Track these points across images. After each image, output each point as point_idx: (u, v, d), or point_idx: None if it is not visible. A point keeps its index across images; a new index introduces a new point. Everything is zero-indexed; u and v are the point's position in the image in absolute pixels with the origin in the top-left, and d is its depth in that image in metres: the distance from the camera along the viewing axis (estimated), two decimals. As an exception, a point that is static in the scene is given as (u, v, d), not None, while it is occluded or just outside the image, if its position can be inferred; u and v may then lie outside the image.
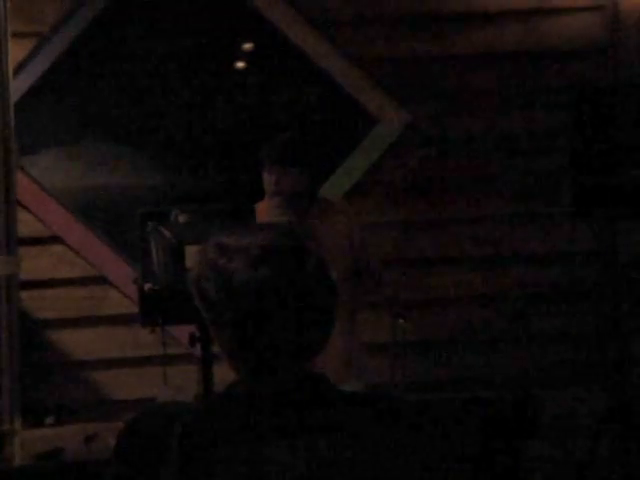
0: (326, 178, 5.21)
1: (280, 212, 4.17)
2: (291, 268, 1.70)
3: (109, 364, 5.11)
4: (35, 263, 4.96)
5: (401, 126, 5.25)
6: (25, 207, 4.98)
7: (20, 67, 4.94)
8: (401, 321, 4.35)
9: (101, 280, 5.12)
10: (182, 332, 3.48)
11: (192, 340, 3.26)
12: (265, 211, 4.19)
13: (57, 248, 5.11)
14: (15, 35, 4.48)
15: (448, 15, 5.27)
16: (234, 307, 1.69)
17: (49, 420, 4.39)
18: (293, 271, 1.70)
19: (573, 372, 5.24)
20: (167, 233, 3.26)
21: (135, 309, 3.41)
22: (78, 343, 5.10)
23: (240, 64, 5.31)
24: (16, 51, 4.61)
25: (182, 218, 3.36)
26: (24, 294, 4.71)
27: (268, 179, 4.17)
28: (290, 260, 1.71)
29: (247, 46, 5.31)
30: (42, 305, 5.06)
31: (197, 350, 3.26)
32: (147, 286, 3.26)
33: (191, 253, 3.18)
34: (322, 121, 5.28)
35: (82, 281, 5.12)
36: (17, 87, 4.72)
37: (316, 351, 1.74)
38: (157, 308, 3.25)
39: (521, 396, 4.31)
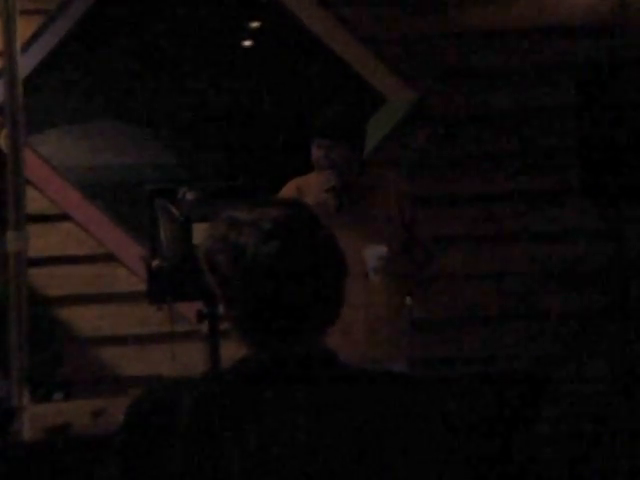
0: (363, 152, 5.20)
1: (329, 185, 4.15)
2: (301, 242, 1.71)
3: (117, 341, 5.13)
4: (43, 240, 4.98)
5: (408, 104, 5.24)
6: (33, 185, 4.99)
7: (27, 44, 4.93)
8: (408, 299, 4.36)
9: (109, 258, 5.14)
10: (190, 309, 3.50)
11: (199, 317, 3.27)
12: (315, 184, 4.18)
13: (65, 226, 5.12)
14: (22, 12, 4.47)
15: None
16: (245, 281, 1.69)
17: (57, 396, 4.41)
18: (303, 245, 1.71)
19: (581, 349, 5.25)
20: (175, 210, 3.26)
21: (143, 286, 3.43)
22: (86, 320, 5.12)
23: (247, 43, 5.30)
24: (23, 28, 4.61)
25: (190, 195, 3.36)
26: (32, 271, 4.72)
27: (317, 152, 4.15)
28: (300, 234, 1.72)
29: (254, 25, 5.31)
30: (50, 282, 5.08)
31: (204, 327, 3.27)
32: (155, 263, 3.28)
33: (199, 230, 3.18)
34: (329, 100, 5.28)
35: (90, 259, 5.13)
36: (24, 65, 4.71)
37: (326, 326, 1.75)
38: (165, 285, 3.26)
39: (528, 373, 4.31)
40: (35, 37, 5.04)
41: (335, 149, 4.12)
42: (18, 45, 3.86)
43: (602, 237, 5.22)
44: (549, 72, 5.27)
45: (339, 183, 4.14)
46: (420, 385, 1.78)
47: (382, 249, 4.07)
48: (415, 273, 4.33)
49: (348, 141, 4.13)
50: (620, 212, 4.90)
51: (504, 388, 4.10)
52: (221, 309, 1.78)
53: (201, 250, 1.76)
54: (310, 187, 4.19)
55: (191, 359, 4.24)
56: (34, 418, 3.77)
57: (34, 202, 4.89)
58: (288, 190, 4.21)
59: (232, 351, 1.87)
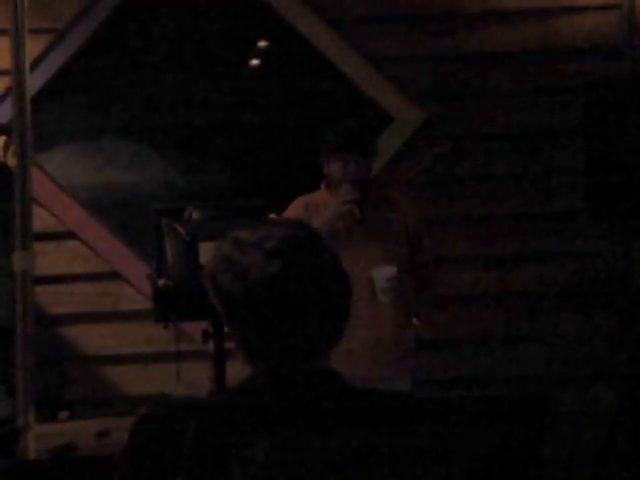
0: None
1: (350, 198, 4.15)
2: (305, 262, 1.71)
3: (122, 360, 5.12)
4: (50, 259, 4.98)
5: (416, 124, 5.24)
6: (40, 203, 4.99)
7: (36, 63, 4.95)
8: (414, 319, 4.35)
9: (115, 276, 5.14)
10: (195, 328, 3.49)
11: (205, 336, 3.26)
12: (328, 199, 4.19)
13: (72, 244, 5.13)
14: (31, 31, 4.48)
15: (464, 13, 5.26)
16: (249, 300, 1.69)
17: (62, 415, 4.40)
18: (307, 265, 1.71)
19: (588, 371, 5.22)
20: (181, 230, 3.26)
21: (149, 305, 3.42)
22: (92, 339, 5.12)
23: (255, 62, 5.31)
24: (32, 47, 4.61)
25: (196, 215, 3.36)
26: (39, 289, 4.72)
27: (333, 167, 4.18)
28: (303, 254, 1.72)
29: (262, 44, 5.32)
30: (56, 300, 5.08)
31: (210, 346, 3.26)
32: (161, 282, 3.27)
33: (205, 250, 3.18)
34: (338, 119, 5.28)
35: (96, 277, 5.13)
36: (33, 83, 4.72)
37: (330, 345, 1.75)
38: (171, 304, 3.25)
39: (535, 395, 4.29)
40: (43, 56, 5.05)
41: (350, 163, 4.15)
42: (27, 64, 3.86)
43: (609, 258, 5.21)
44: (556, 93, 5.27)
45: (358, 195, 4.15)
46: (425, 406, 1.77)
47: (392, 269, 4.07)
48: (418, 294, 4.33)
49: (361, 155, 4.16)
50: (627, 233, 4.89)
51: (509, 410, 4.08)
52: (226, 328, 1.78)
53: (205, 270, 1.76)
54: (319, 204, 4.20)
55: (197, 378, 4.22)
56: (39, 438, 3.76)
57: (40, 220, 4.90)
58: (295, 208, 4.21)
59: (237, 371, 1.86)
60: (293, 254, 1.71)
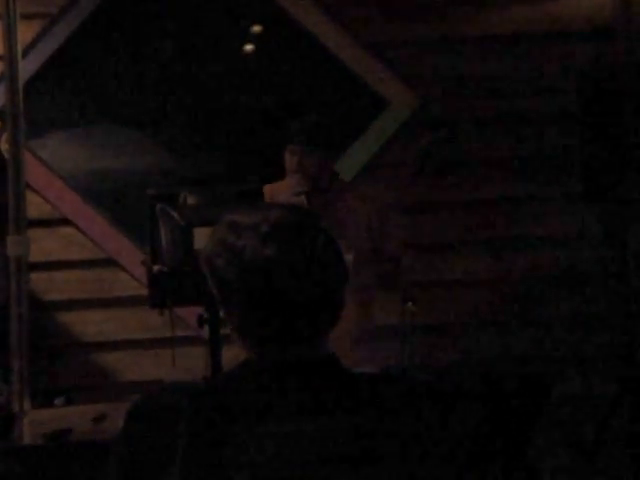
0: (336, 160, 5.20)
1: (300, 190, 4.17)
2: (300, 245, 1.70)
3: (118, 346, 5.12)
4: (44, 245, 4.97)
5: (411, 108, 5.23)
6: (34, 189, 4.98)
7: (28, 49, 4.93)
8: (410, 304, 4.34)
9: (110, 262, 5.13)
10: (191, 314, 3.49)
11: (200, 322, 3.26)
12: (285, 189, 4.21)
13: (66, 230, 5.12)
14: (23, 16, 4.46)
15: (459, -2, 5.25)
16: (244, 284, 1.69)
17: (58, 401, 4.40)
18: (302, 248, 1.70)
19: (583, 355, 5.23)
20: (176, 215, 3.25)
21: (144, 291, 3.42)
22: (87, 325, 5.11)
23: (249, 47, 5.30)
24: (24, 32, 4.60)
25: (191, 200, 3.36)
26: (33, 276, 4.71)
27: (290, 158, 4.20)
28: (299, 237, 1.71)
29: (256, 29, 5.30)
30: (51, 287, 5.07)
31: (205, 332, 3.26)
32: (156, 268, 3.27)
33: (200, 235, 3.17)
34: (332, 103, 5.27)
35: (91, 263, 5.12)
36: (25, 69, 4.70)
37: (326, 329, 1.74)
38: (166, 290, 3.25)
39: (530, 376, 4.30)
40: (36, 41, 5.03)
41: (308, 156, 4.16)
42: (19, 50, 3.85)
43: (604, 242, 5.21)
44: (551, 77, 5.26)
45: (309, 187, 4.17)
46: (423, 387, 1.77)
47: (348, 258, 4.07)
48: (381, 284, 4.35)
49: (321, 149, 4.17)
50: (623, 217, 4.89)
51: (507, 390, 4.08)
52: (222, 313, 1.77)
53: (202, 254, 1.76)
54: (280, 192, 4.21)
55: (192, 364, 4.21)
56: (35, 423, 3.75)
57: (34, 207, 4.88)
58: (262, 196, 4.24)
59: (233, 356, 1.85)
60: (288, 237, 1.70)
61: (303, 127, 4.24)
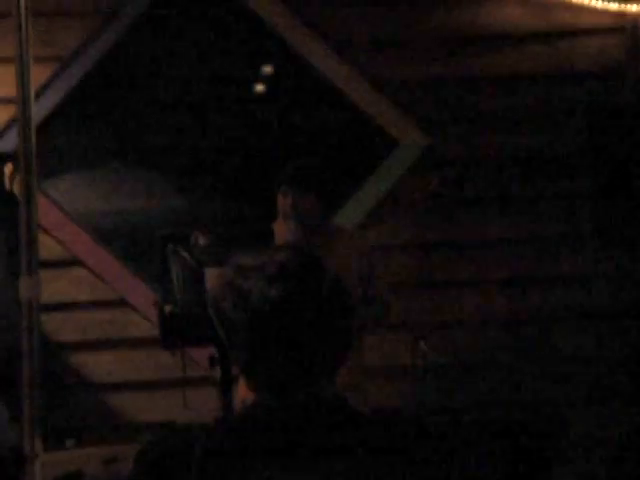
0: (346, 199, 5.21)
1: (294, 235, 4.19)
2: (306, 287, 1.70)
3: (129, 387, 5.11)
4: (56, 286, 4.98)
5: (421, 148, 5.24)
6: (46, 230, 4.99)
7: (41, 91, 4.96)
8: (422, 343, 4.34)
9: (121, 303, 5.13)
10: (202, 354, 3.48)
11: (212, 362, 3.25)
12: (279, 233, 4.22)
13: (78, 271, 5.12)
14: (36, 59, 4.50)
15: (467, 37, 5.27)
16: (251, 326, 1.69)
17: (69, 443, 4.39)
18: (308, 290, 1.70)
19: (596, 394, 5.20)
20: (187, 256, 3.26)
21: (155, 332, 3.41)
22: (99, 366, 5.11)
23: (261, 87, 5.32)
24: (37, 74, 4.63)
25: (202, 241, 3.36)
26: (45, 317, 4.71)
27: (284, 201, 4.21)
28: (305, 279, 1.71)
29: (268, 69, 5.33)
30: (63, 328, 5.07)
31: (217, 372, 3.25)
32: (167, 308, 3.26)
33: (211, 276, 3.17)
34: (342, 143, 5.29)
35: (102, 304, 5.13)
36: (38, 110, 4.73)
37: (334, 370, 1.74)
38: (177, 330, 3.25)
39: (544, 419, 4.28)
40: (48, 83, 5.07)
41: (302, 199, 4.16)
42: (32, 92, 3.87)
43: (616, 281, 5.19)
44: (562, 116, 5.27)
45: (300, 234, 4.17)
46: (432, 431, 1.76)
47: None
48: (371, 326, 4.34)
49: (315, 192, 4.18)
50: (634, 256, 4.88)
51: (519, 433, 4.06)
52: (230, 355, 1.77)
53: (209, 296, 1.76)
54: (278, 237, 4.23)
55: (204, 405, 4.21)
56: (46, 465, 3.74)
57: (46, 247, 4.90)
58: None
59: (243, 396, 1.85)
60: (294, 279, 1.70)
61: (296, 170, 4.25)
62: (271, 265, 1.71)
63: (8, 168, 4.72)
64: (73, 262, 5.13)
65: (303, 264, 1.73)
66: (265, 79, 5.33)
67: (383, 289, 4.34)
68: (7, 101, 4.85)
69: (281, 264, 1.71)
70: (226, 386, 3.26)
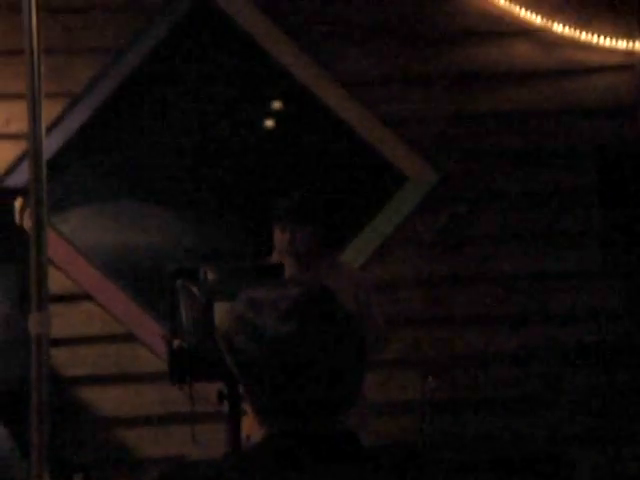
0: (355, 235, 5.22)
1: (291, 270, 4.18)
2: (320, 322, 1.70)
3: (137, 422, 5.11)
4: (65, 320, 4.98)
5: (430, 184, 5.26)
6: (55, 264, 5.00)
7: (52, 126, 4.99)
8: (430, 379, 4.33)
9: (130, 338, 5.13)
10: (210, 390, 3.48)
11: (220, 398, 3.25)
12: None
13: (87, 306, 5.13)
14: (47, 95, 4.54)
15: (476, 74, 5.30)
16: (264, 361, 1.68)
17: (77, 478, 4.38)
18: (322, 325, 1.70)
19: (606, 432, 5.18)
20: (196, 290, 3.26)
21: (164, 367, 3.42)
22: (107, 400, 5.10)
23: (269, 123, 5.35)
24: (48, 110, 4.66)
25: (211, 275, 3.36)
26: (54, 351, 4.72)
27: (282, 236, 4.21)
28: (319, 314, 1.71)
29: (277, 105, 5.35)
30: (72, 362, 5.07)
31: (225, 408, 3.25)
32: (176, 343, 3.26)
33: (220, 310, 3.17)
34: (352, 179, 5.30)
35: (111, 339, 5.13)
36: (49, 145, 4.76)
37: (347, 406, 1.73)
38: (186, 365, 3.24)
39: (554, 457, 4.26)
40: (60, 119, 5.10)
41: (299, 232, 4.16)
42: (43, 128, 3.90)
43: (625, 317, 5.18)
44: (571, 153, 5.28)
45: (297, 269, 4.17)
46: (444, 466, 1.76)
47: None
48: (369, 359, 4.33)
49: (312, 226, 4.18)
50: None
51: (528, 471, 4.04)
52: (241, 389, 1.77)
53: (220, 330, 1.76)
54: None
55: (212, 440, 4.20)
56: (54, 500, 3.73)
57: (56, 282, 4.91)
58: None
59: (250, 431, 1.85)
60: (308, 314, 1.70)
61: (293, 204, 4.25)
62: (284, 300, 1.71)
63: (19, 202, 4.74)
64: (83, 297, 5.13)
65: (316, 299, 1.73)
66: (274, 116, 5.35)
67: (381, 323, 4.33)
68: (18, 136, 4.88)
69: (294, 299, 1.71)
70: (234, 421, 3.25)
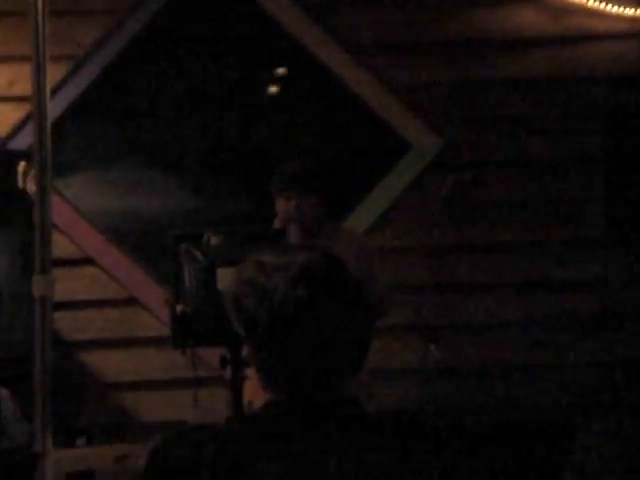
0: (359, 202, 5.21)
1: (296, 237, 4.18)
2: (329, 288, 1.70)
3: (140, 386, 5.12)
4: (68, 285, 4.99)
5: (434, 151, 5.24)
6: (59, 229, 5.00)
7: (56, 89, 4.97)
8: (432, 346, 4.33)
9: (133, 302, 5.14)
10: (213, 354, 3.48)
11: (223, 362, 3.25)
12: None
13: (90, 270, 5.14)
14: (52, 58, 4.51)
15: (481, 41, 5.27)
16: (273, 325, 1.68)
17: (80, 441, 4.40)
18: (331, 291, 1.70)
19: (606, 401, 5.19)
20: (199, 255, 3.26)
21: (167, 331, 3.42)
22: (110, 365, 5.12)
23: (274, 89, 5.33)
24: (52, 73, 4.63)
25: (214, 240, 3.36)
26: (57, 315, 4.72)
27: (287, 204, 4.20)
28: (328, 280, 1.71)
29: (281, 71, 5.33)
30: (75, 326, 5.08)
31: (228, 372, 3.25)
32: (179, 308, 3.27)
33: (223, 275, 3.17)
34: (355, 146, 5.29)
35: (114, 303, 5.14)
36: (53, 109, 4.74)
37: (352, 372, 1.73)
38: (189, 330, 3.25)
39: (553, 424, 4.27)
40: (63, 82, 5.08)
41: (305, 200, 4.16)
42: (48, 91, 3.88)
43: (628, 286, 5.18)
44: (576, 121, 5.26)
45: (304, 237, 4.17)
46: (445, 431, 1.76)
47: None
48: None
49: (315, 193, 4.17)
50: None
51: (530, 438, 4.05)
52: (244, 353, 1.77)
53: (228, 293, 1.75)
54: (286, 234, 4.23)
55: (214, 404, 4.21)
56: (57, 464, 3.75)
57: (59, 246, 4.90)
58: None
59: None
60: (318, 280, 1.70)
61: (297, 172, 4.24)
62: (295, 265, 1.70)
63: (22, 166, 4.73)
64: (86, 261, 5.14)
65: (326, 265, 1.73)
66: (279, 81, 5.33)
67: (382, 289, 4.33)
68: (22, 99, 4.87)
69: (304, 265, 1.71)
70: (237, 386, 3.26)
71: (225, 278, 3.04)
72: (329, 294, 1.70)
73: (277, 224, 4.29)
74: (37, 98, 3.78)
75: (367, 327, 1.74)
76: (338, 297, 1.70)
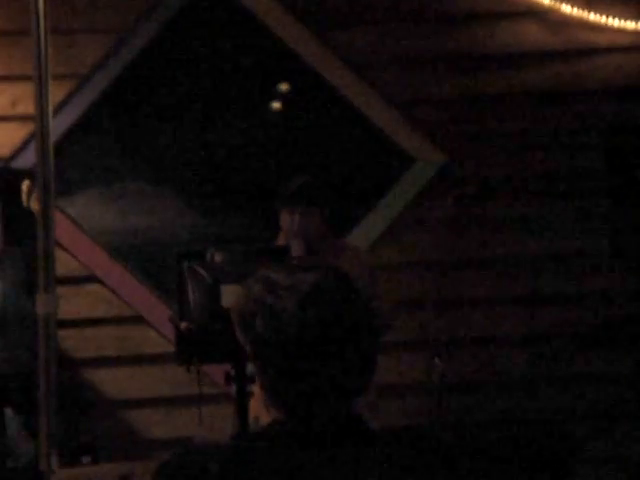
0: (361, 217, 5.22)
1: (301, 252, 4.19)
2: (338, 309, 1.69)
3: (145, 403, 5.11)
4: (72, 302, 4.99)
5: (436, 166, 5.25)
6: (62, 247, 5.01)
7: (59, 108, 4.98)
8: (437, 360, 4.33)
9: (138, 320, 5.14)
10: (217, 371, 3.49)
11: (227, 379, 3.25)
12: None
13: (94, 287, 5.14)
14: (54, 76, 4.53)
15: (483, 56, 5.28)
16: (280, 344, 1.67)
17: (85, 459, 4.40)
18: (340, 312, 1.69)
19: (614, 413, 5.18)
20: (203, 272, 3.26)
21: (171, 348, 3.42)
22: (114, 382, 5.11)
23: (277, 106, 5.33)
24: (55, 92, 4.65)
25: (218, 257, 3.36)
26: (61, 333, 4.73)
27: (290, 219, 4.21)
28: (337, 300, 1.70)
29: (284, 87, 5.34)
30: (79, 344, 5.08)
31: (233, 389, 3.25)
32: (183, 325, 3.27)
33: (227, 292, 3.18)
34: (359, 161, 5.29)
35: (118, 320, 5.13)
36: (56, 128, 4.75)
37: (359, 392, 1.73)
38: (193, 347, 3.25)
39: (557, 436, 4.26)
40: (66, 101, 5.09)
41: (309, 215, 4.17)
42: (50, 110, 3.89)
43: (634, 299, 5.17)
44: (578, 134, 5.26)
45: (305, 252, 4.18)
46: (453, 447, 1.76)
47: None
48: None
49: (319, 208, 4.19)
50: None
51: (534, 451, 4.05)
52: (249, 370, 1.76)
53: (236, 310, 1.74)
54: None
55: (219, 422, 4.21)
56: (61, 481, 3.75)
57: (62, 264, 4.91)
58: None
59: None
60: (327, 300, 1.69)
61: (301, 187, 4.25)
62: (304, 285, 1.70)
63: (25, 185, 4.74)
64: (89, 279, 5.14)
65: (334, 285, 1.72)
66: (282, 98, 5.34)
67: (384, 307, 4.33)
68: (25, 118, 4.88)
69: (313, 284, 1.70)
70: (241, 403, 3.26)
71: (229, 295, 3.05)
72: (338, 315, 1.69)
73: (281, 240, 4.29)
74: (40, 117, 3.80)
75: (374, 346, 1.74)
76: (346, 318, 1.70)
